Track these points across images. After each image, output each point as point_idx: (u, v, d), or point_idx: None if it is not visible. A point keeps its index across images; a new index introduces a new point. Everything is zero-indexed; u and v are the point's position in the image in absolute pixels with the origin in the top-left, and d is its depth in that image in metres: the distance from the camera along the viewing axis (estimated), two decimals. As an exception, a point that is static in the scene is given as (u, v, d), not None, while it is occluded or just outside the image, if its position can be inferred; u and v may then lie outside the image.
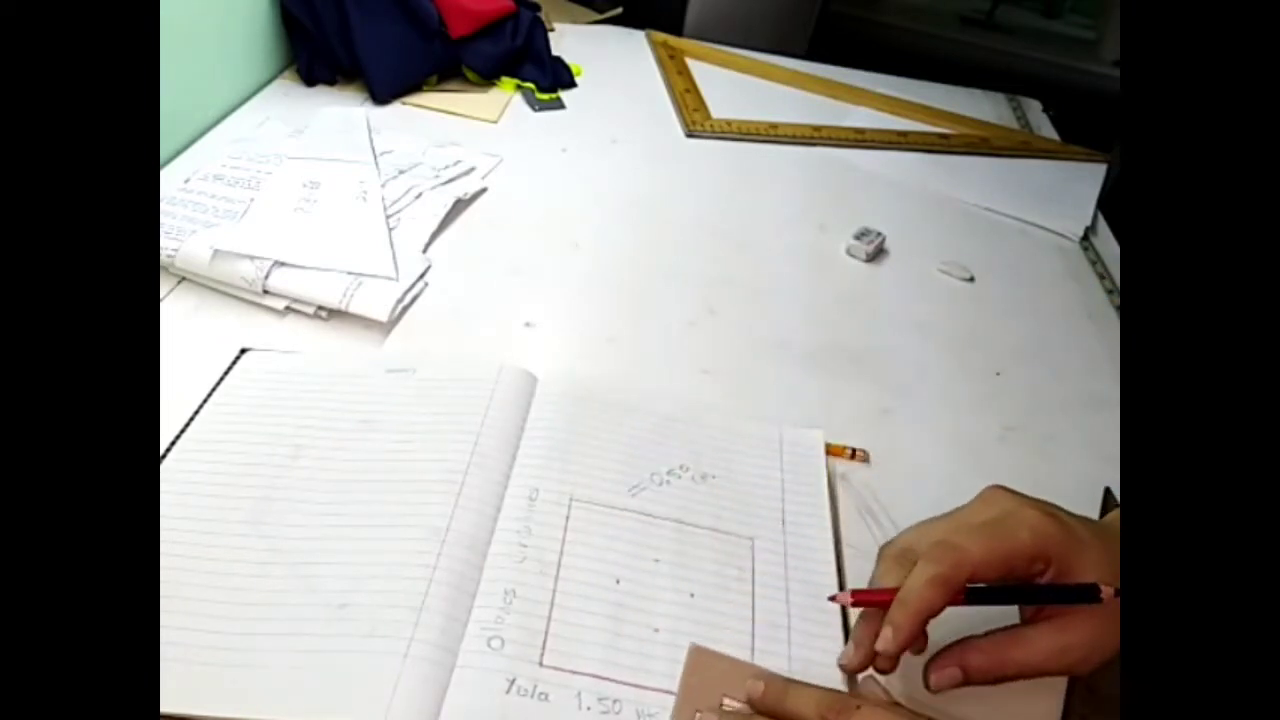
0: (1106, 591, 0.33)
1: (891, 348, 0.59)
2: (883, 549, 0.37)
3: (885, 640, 0.33)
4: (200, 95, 0.70)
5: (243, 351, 0.50)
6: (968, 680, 0.35)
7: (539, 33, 0.86)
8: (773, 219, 0.71)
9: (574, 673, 0.36)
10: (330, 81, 0.79)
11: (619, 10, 1.06)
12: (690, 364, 0.55)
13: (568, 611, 0.38)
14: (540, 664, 0.36)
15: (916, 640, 0.34)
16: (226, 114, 0.72)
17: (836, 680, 0.37)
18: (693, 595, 0.40)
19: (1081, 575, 0.34)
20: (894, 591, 0.34)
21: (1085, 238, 0.74)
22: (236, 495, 0.41)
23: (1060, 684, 0.39)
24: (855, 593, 0.36)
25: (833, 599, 0.39)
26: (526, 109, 0.81)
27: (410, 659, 0.35)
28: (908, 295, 0.64)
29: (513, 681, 0.35)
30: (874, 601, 0.35)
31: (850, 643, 0.36)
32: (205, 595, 0.37)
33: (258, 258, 0.53)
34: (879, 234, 0.68)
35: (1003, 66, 1.55)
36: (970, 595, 0.34)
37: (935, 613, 0.33)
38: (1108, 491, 0.49)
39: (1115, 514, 0.41)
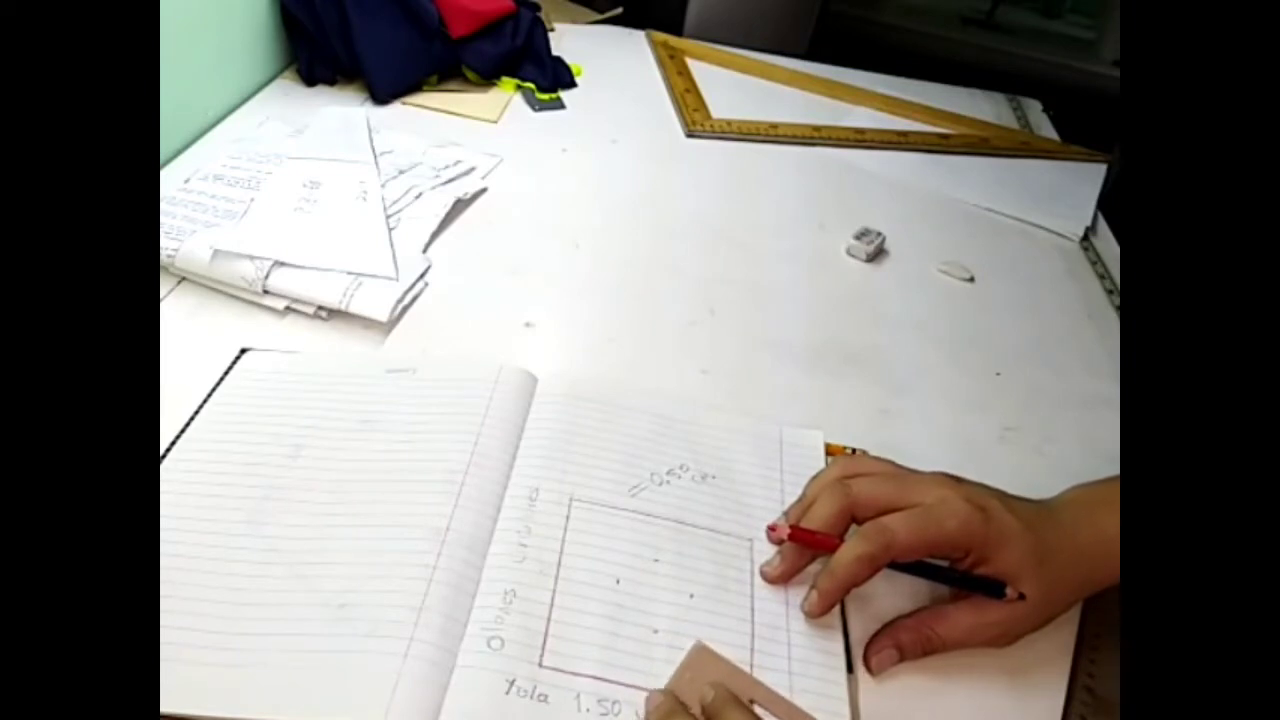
0: (1010, 594, 0.38)
1: (891, 348, 0.59)
2: (828, 475, 0.42)
3: (811, 603, 0.39)
4: (200, 95, 0.70)
5: (243, 351, 0.50)
6: (902, 657, 0.39)
7: (539, 33, 0.86)
8: (773, 219, 0.71)
9: (573, 674, 0.36)
10: (330, 81, 0.79)
11: (619, 10, 1.06)
12: (690, 364, 0.55)
13: (567, 612, 0.38)
14: (540, 665, 0.36)
15: (837, 603, 0.39)
16: (226, 114, 0.72)
17: (835, 682, 0.37)
18: (692, 596, 0.40)
19: (997, 565, 0.38)
20: (828, 539, 0.39)
21: (1085, 238, 0.74)
22: (236, 495, 0.41)
23: (1060, 684, 0.39)
24: (794, 529, 0.40)
25: (772, 528, 0.41)
26: (526, 109, 0.81)
27: (410, 659, 0.35)
28: (908, 295, 0.64)
29: (512, 682, 0.35)
30: (807, 541, 0.39)
31: (778, 557, 0.41)
32: (205, 595, 0.37)
33: (258, 258, 0.53)
34: (879, 234, 0.68)
35: (1003, 66, 1.55)
36: (892, 564, 0.38)
37: (859, 585, 0.38)
38: (1108, 492, 0.49)
39: (1071, 495, 0.42)
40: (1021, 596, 0.38)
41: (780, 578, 0.40)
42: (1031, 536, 0.38)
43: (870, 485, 0.40)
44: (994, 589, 0.38)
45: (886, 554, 0.37)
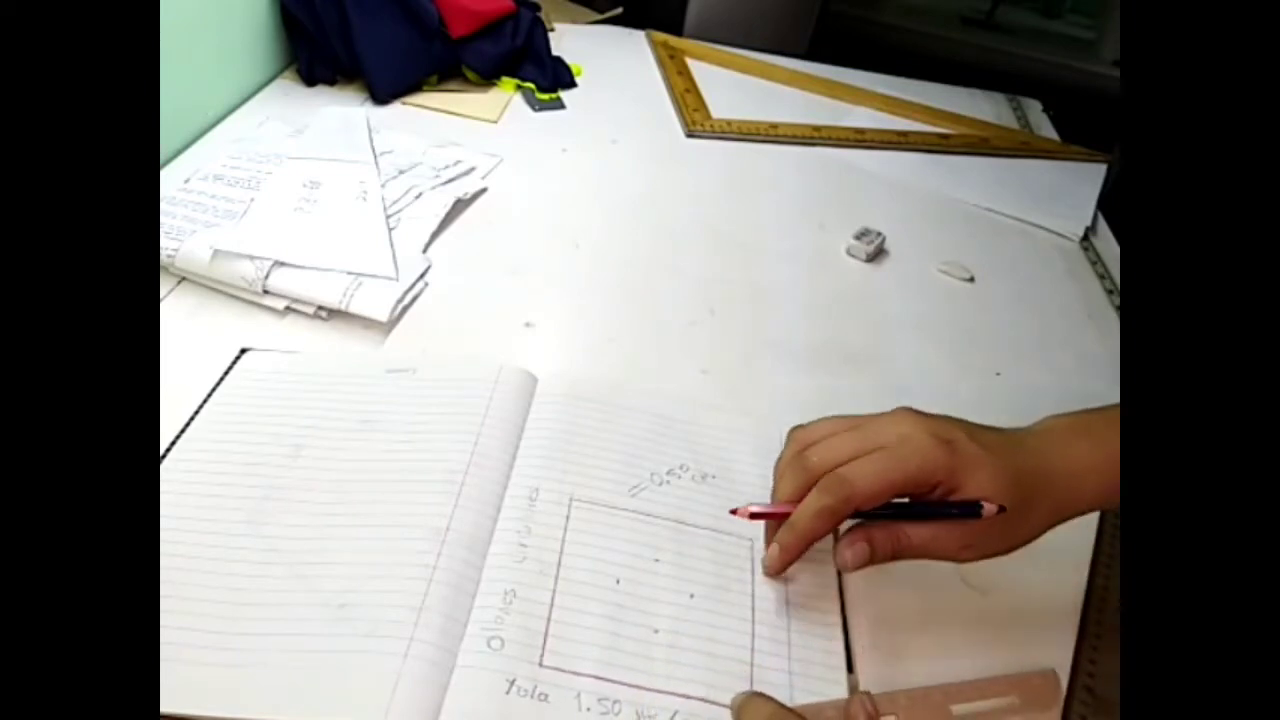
0: (988, 509, 0.37)
1: (891, 347, 0.59)
2: (786, 454, 0.40)
3: (772, 558, 0.39)
4: (200, 95, 0.70)
5: (243, 351, 0.50)
6: (873, 555, 0.38)
7: (539, 33, 0.86)
8: (773, 219, 0.71)
9: (574, 673, 0.36)
10: (330, 81, 0.79)
11: (619, 10, 1.06)
12: (690, 364, 0.55)
13: (568, 612, 0.38)
14: (540, 664, 0.36)
15: (799, 558, 0.39)
16: (226, 114, 0.72)
17: (835, 682, 0.37)
18: (692, 596, 0.40)
19: (968, 492, 0.37)
20: (790, 508, 0.38)
21: (1085, 238, 0.74)
22: (236, 495, 0.41)
23: (1059, 686, 0.39)
24: (755, 510, 0.39)
25: (733, 512, 0.40)
26: (526, 109, 0.81)
27: (410, 659, 0.35)
28: (908, 295, 0.64)
29: (513, 682, 0.35)
30: (771, 516, 0.39)
31: (769, 550, 0.40)
32: (205, 595, 0.37)
33: (258, 258, 0.53)
34: (879, 234, 0.68)
35: (1003, 66, 1.55)
36: (864, 514, 0.38)
37: (820, 539, 0.38)
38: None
39: (1043, 424, 0.41)
40: (1002, 509, 0.37)
41: (777, 569, 0.40)
42: (1000, 460, 0.37)
43: (828, 450, 0.39)
44: (970, 509, 0.37)
45: (848, 505, 0.37)
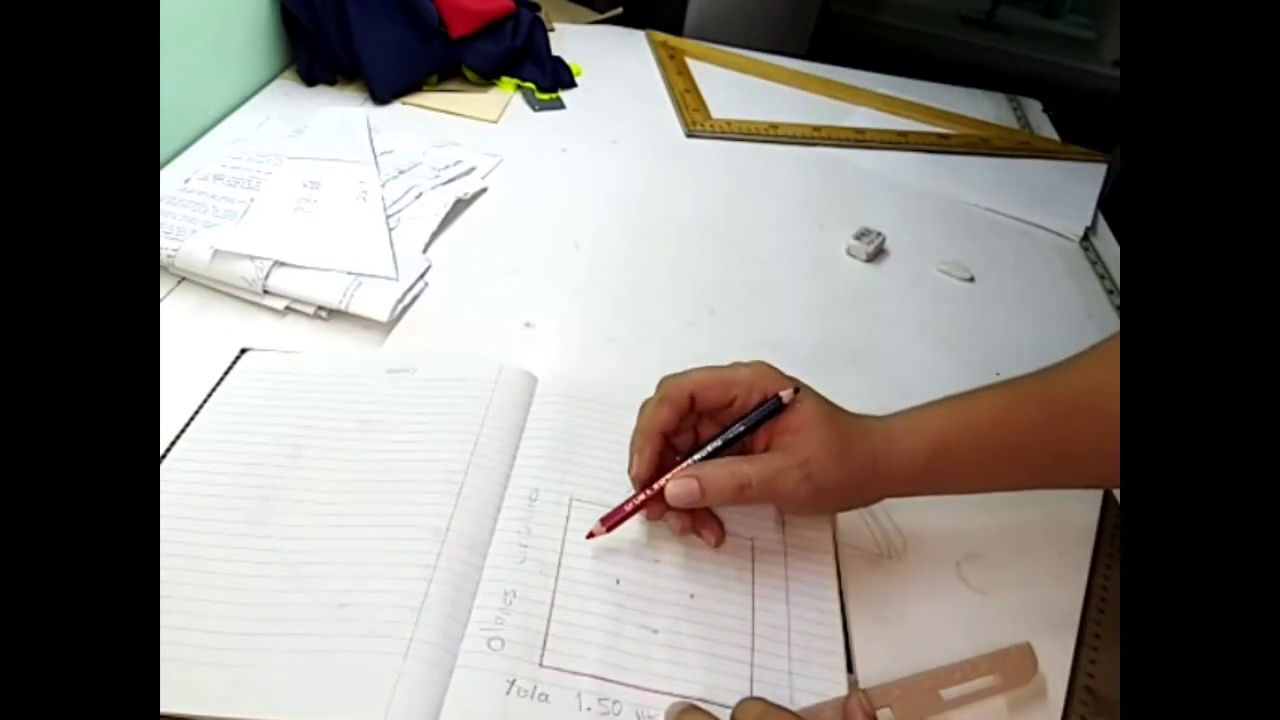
0: (786, 394, 0.39)
1: (891, 348, 0.59)
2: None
3: (637, 466, 0.39)
4: (200, 95, 0.70)
5: (243, 351, 0.50)
6: (704, 495, 0.38)
7: (539, 33, 0.86)
8: (773, 219, 0.71)
9: (574, 673, 0.36)
10: (330, 81, 0.79)
11: (619, 10, 1.06)
12: (690, 364, 0.54)
13: (568, 612, 0.38)
14: (540, 665, 0.36)
15: (655, 461, 0.39)
16: (226, 114, 0.72)
17: (835, 682, 0.37)
18: (692, 596, 0.40)
19: (770, 393, 0.39)
20: (632, 505, 0.39)
21: (1085, 238, 0.74)
22: (236, 495, 0.41)
23: (1060, 684, 0.39)
24: (606, 522, 0.40)
25: (589, 536, 0.40)
26: (526, 109, 0.81)
27: (410, 659, 0.35)
28: (908, 295, 0.64)
29: (513, 682, 0.35)
30: (622, 518, 0.39)
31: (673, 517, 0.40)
32: (205, 595, 0.37)
33: (258, 258, 0.53)
34: (879, 234, 0.68)
35: (1003, 66, 1.55)
36: (700, 461, 0.39)
37: (668, 428, 0.39)
38: (1107, 492, 0.49)
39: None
40: (796, 390, 0.39)
41: (645, 476, 0.40)
42: (825, 402, 0.40)
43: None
44: (775, 407, 0.39)
45: (680, 392, 0.39)
